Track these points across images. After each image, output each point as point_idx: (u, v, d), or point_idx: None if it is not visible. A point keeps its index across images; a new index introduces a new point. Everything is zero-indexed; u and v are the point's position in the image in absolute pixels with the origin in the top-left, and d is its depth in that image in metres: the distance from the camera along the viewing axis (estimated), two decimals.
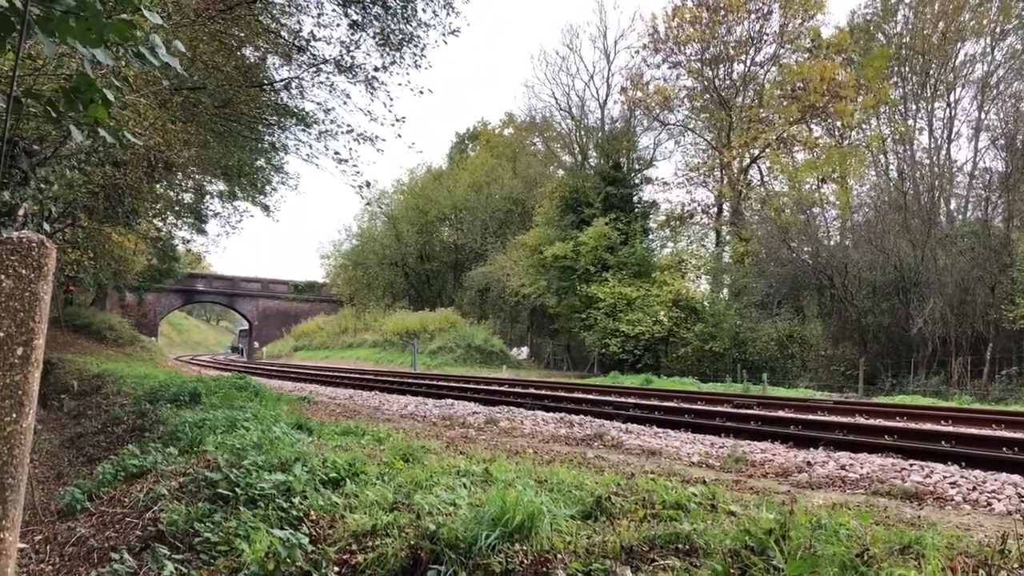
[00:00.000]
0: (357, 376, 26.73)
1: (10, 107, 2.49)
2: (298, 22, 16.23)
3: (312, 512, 4.55)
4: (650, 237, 44.07)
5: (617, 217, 39.97)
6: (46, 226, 5.71)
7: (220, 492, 5.29)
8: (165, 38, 2.82)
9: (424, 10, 15.64)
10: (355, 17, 15.44)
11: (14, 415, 2.10)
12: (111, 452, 8.70)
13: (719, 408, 14.49)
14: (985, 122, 35.69)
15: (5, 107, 2.54)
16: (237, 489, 5.21)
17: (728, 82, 44.18)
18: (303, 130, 18.28)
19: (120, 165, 11.78)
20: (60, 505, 6.68)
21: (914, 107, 38.36)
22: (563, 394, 17.90)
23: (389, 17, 15.71)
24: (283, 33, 15.85)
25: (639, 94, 45.42)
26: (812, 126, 42.40)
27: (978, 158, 35.82)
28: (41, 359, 2.19)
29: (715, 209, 46.09)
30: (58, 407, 14.86)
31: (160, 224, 27.73)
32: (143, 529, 5.36)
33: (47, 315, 2.20)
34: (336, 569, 3.79)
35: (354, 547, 3.95)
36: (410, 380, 24.10)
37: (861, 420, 12.81)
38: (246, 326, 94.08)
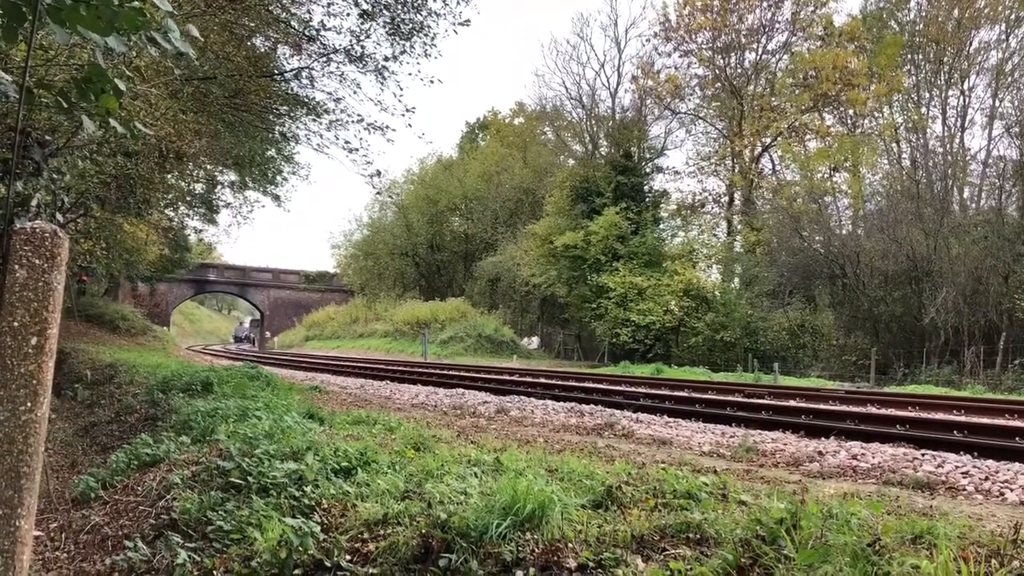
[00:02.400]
0: (368, 366, 26.82)
1: (23, 97, 2.50)
2: (308, 11, 16.21)
3: (324, 501, 4.57)
4: (661, 226, 43.95)
5: (628, 206, 39.86)
6: (59, 216, 5.72)
7: (232, 481, 5.31)
8: (177, 24, 2.82)
9: None
10: (365, 6, 15.41)
11: (29, 404, 2.12)
12: (124, 441, 8.75)
13: (730, 398, 14.48)
14: (999, 110, 35.39)
15: (18, 97, 2.55)
16: (249, 478, 5.23)
17: (739, 70, 43.92)
18: (313, 120, 18.28)
19: (132, 155, 11.80)
20: (74, 493, 6.73)
21: (927, 95, 38.04)
22: (574, 384, 17.92)
23: (399, 6, 15.67)
24: (293, 23, 15.83)
25: (650, 83, 45.21)
26: (824, 115, 42.11)
27: (992, 146, 35.56)
28: (55, 349, 2.20)
29: (726, 198, 45.90)
30: (72, 396, 14.95)
31: (172, 214, 27.87)
32: (156, 517, 5.40)
33: (60, 305, 2.21)
34: (348, 557, 3.80)
35: (366, 535, 3.97)
36: (421, 370, 24.16)
37: (873, 410, 12.77)
38: (249, 316, 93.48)
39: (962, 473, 6.73)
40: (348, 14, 15.66)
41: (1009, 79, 35.10)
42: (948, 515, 4.05)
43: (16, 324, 2.11)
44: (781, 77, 42.85)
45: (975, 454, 7.72)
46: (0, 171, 5.47)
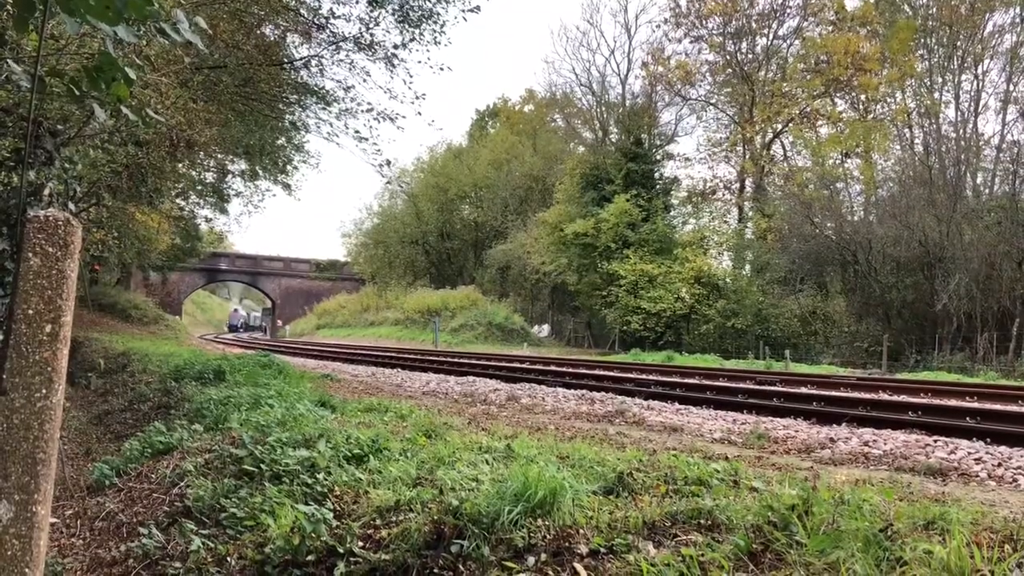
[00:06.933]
0: (379, 354, 26.88)
1: (35, 87, 2.51)
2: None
3: (336, 488, 4.59)
4: (672, 214, 43.87)
5: (638, 194, 39.77)
6: (71, 205, 5.75)
7: (245, 468, 5.35)
8: (186, 15, 2.82)
9: None
10: None
11: (44, 391, 2.13)
12: (138, 429, 8.81)
13: (741, 385, 14.46)
14: (1014, 94, 35.03)
15: (30, 87, 2.55)
16: (262, 465, 5.26)
17: (750, 56, 43.64)
18: (323, 108, 18.32)
19: (143, 144, 11.84)
20: (89, 481, 6.79)
21: (940, 80, 37.66)
22: (584, 371, 17.92)
23: None
24: (302, 11, 15.83)
25: (660, 69, 45.00)
26: (836, 100, 41.83)
27: (1006, 131, 35.18)
28: (69, 336, 2.21)
29: (737, 185, 45.72)
30: (85, 385, 15.06)
31: (183, 203, 27.97)
32: (170, 504, 5.44)
33: (74, 293, 2.22)
34: (360, 544, 3.82)
35: (378, 522, 3.99)
36: (432, 358, 24.21)
37: (884, 396, 12.73)
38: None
39: (975, 459, 6.70)
40: (357, 2, 15.69)
41: (1023, 63, 34.73)
42: (961, 501, 4.04)
43: (31, 312, 2.12)
44: (792, 62, 42.58)
45: (988, 440, 7.70)
46: (13, 160, 5.50)
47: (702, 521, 3.31)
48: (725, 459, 5.19)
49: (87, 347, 19.98)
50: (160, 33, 2.74)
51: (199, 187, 27.17)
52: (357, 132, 18.18)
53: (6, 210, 4.62)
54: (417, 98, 17.51)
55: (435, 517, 3.71)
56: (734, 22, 42.74)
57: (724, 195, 46.56)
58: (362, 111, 17.70)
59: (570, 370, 18.07)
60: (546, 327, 51.33)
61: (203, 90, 13.96)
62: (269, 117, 18.73)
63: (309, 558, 3.84)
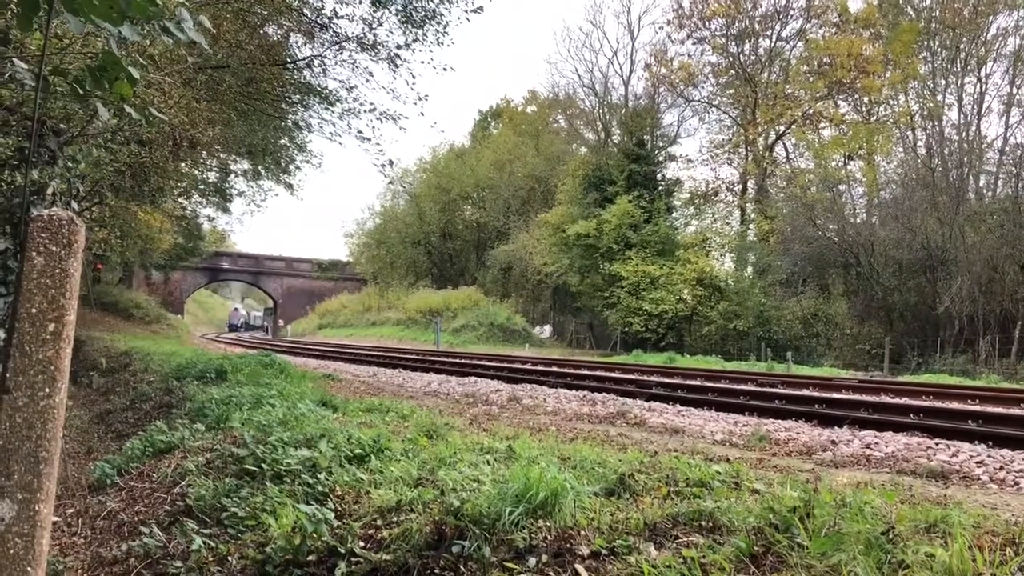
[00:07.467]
0: (381, 354, 26.89)
1: (39, 86, 2.51)
2: None
3: (337, 488, 4.59)
4: (674, 215, 43.85)
5: (640, 195, 39.77)
6: (74, 204, 5.76)
7: (247, 468, 5.34)
8: (190, 14, 2.83)
9: None
10: None
11: (47, 390, 2.14)
12: (139, 428, 8.82)
13: (743, 387, 14.43)
14: (1017, 97, 34.95)
15: (34, 85, 2.56)
16: (263, 465, 5.26)
17: (753, 58, 43.62)
18: (326, 108, 18.33)
19: (146, 143, 11.85)
20: (91, 480, 6.79)
21: (943, 82, 37.60)
22: (586, 372, 17.92)
23: None
24: (305, 11, 15.83)
25: (663, 70, 45.04)
26: (839, 102, 41.81)
27: (1009, 134, 35.11)
28: (72, 335, 2.22)
29: (740, 186, 45.69)
30: (87, 384, 15.07)
31: (185, 203, 28.00)
32: (171, 504, 5.44)
33: (77, 292, 2.23)
34: (361, 544, 3.82)
35: (379, 522, 3.98)
36: (433, 358, 24.21)
37: (886, 399, 12.71)
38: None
39: (976, 462, 6.69)
40: (360, 2, 15.71)
41: None
42: (962, 504, 4.03)
43: (34, 311, 2.12)
44: (795, 64, 42.56)
45: (990, 443, 7.68)
46: (17, 159, 5.51)
47: (703, 523, 3.31)
48: (726, 461, 5.19)
49: (89, 346, 20.00)
50: (164, 32, 2.75)
51: (202, 186, 27.20)
52: (360, 132, 18.26)
53: (10, 209, 4.62)
54: (420, 98, 17.55)
55: (436, 517, 3.70)
56: (737, 24, 42.74)
57: (726, 197, 46.61)
58: (365, 111, 17.73)
59: (572, 371, 18.07)
60: (548, 328, 51.34)
61: (206, 89, 13.98)
62: (272, 117, 18.75)
63: (310, 558, 3.84)
